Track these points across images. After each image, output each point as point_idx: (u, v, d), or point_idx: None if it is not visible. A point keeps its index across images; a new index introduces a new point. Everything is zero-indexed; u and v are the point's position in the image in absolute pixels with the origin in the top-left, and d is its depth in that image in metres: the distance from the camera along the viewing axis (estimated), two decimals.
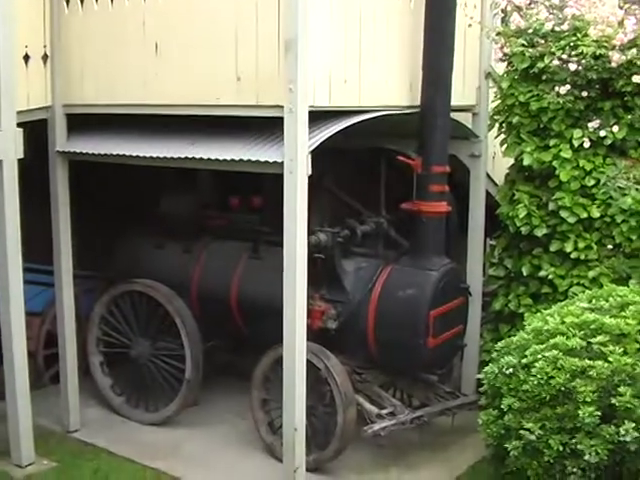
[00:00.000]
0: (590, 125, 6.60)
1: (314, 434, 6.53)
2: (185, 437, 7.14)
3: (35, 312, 7.94)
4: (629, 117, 6.56)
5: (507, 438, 5.23)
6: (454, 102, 6.66)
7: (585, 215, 6.59)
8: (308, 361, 6.16)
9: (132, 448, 6.90)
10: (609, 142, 6.59)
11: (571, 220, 6.62)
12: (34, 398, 6.56)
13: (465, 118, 7.31)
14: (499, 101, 7.01)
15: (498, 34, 6.91)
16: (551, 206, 6.72)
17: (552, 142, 6.70)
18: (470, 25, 6.88)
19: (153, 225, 7.73)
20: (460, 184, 8.22)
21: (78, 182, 7.09)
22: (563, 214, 6.64)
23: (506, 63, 6.93)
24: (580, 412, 4.90)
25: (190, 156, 6.19)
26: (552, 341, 5.24)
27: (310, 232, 6.40)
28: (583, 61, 6.48)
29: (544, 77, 6.68)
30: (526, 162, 6.78)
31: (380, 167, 7.39)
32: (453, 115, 6.77)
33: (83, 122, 6.92)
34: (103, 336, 7.64)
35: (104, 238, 8.23)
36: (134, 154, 6.46)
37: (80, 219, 7.16)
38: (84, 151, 6.76)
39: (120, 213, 8.23)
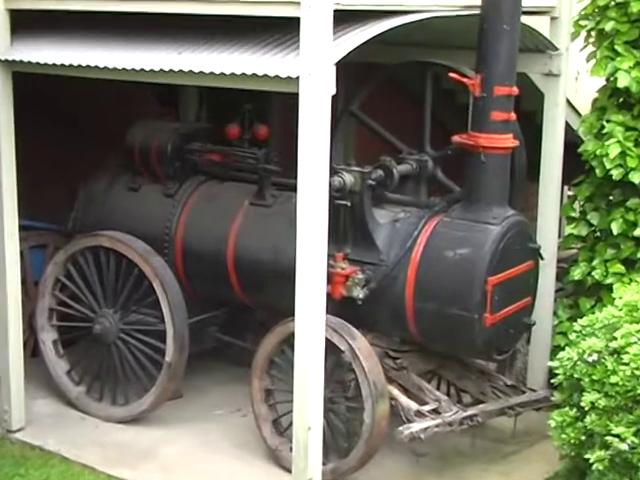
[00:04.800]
0: None
1: (333, 436, 6.58)
2: (163, 438, 7.21)
3: None
4: None
5: (589, 447, 5.28)
6: (526, 2, 6.61)
7: None
8: (327, 340, 6.19)
9: (93, 452, 6.98)
10: None
11: None
12: None
13: (540, 23, 7.26)
14: (588, 1, 6.97)
15: None
16: None
17: None
18: None
19: (124, 161, 7.74)
20: (531, 112, 8.23)
21: (24, 102, 7.09)
22: None
23: None
24: None
25: (177, 69, 6.17)
26: None
27: (332, 172, 6.39)
28: None
29: None
30: (621, 83, 6.75)
31: (424, 88, 7.37)
32: (524, 19, 6.72)
33: (32, 22, 6.90)
34: (58, 306, 7.70)
35: (59, 177, 8.28)
36: (102, 65, 6.45)
37: (28, 152, 7.18)
38: (33, 60, 6.74)
39: (81, 144, 8.27)
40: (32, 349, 8.17)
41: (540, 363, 7.35)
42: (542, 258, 7.06)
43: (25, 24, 6.91)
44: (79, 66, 6.56)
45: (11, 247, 7.04)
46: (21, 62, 6.76)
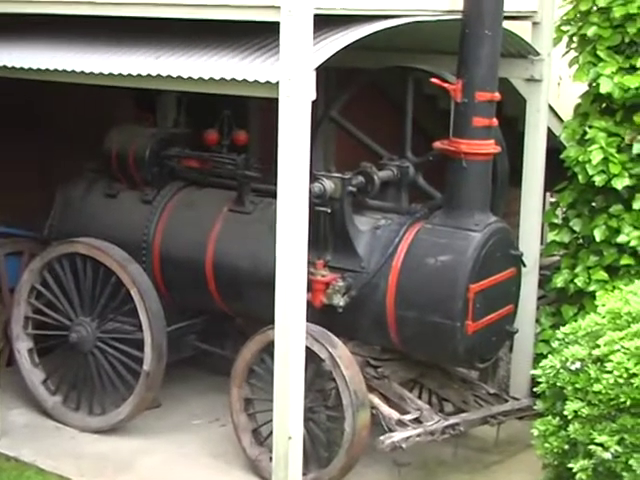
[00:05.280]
0: None
1: (314, 446, 6.56)
2: (142, 449, 7.17)
3: None
4: None
5: (572, 456, 5.25)
6: (508, 7, 6.61)
7: None
8: (307, 349, 6.17)
9: (70, 463, 6.93)
10: None
11: None
12: None
13: (522, 29, 7.27)
14: (570, 6, 6.98)
15: None
16: (636, 149, 6.71)
17: None
18: None
19: (101, 166, 7.71)
20: (512, 118, 8.24)
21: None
22: None
23: None
24: None
25: (154, 73, 6.16)
26: (635, 327, 5.24)
27: (312, 178, 6.37)
28: None
29: None
30: (604, 89, 6.76)
31: (406, 93, 7.36)
32: (506, 24, 6.73)
33: (6, 25, 6.88)
34: (33, 314, 7.64)
35: (36, 183, 8.23)
36: (77, 69, 6.43)
37: (3, 157, 7.14)
38: (9, 64, 6.71)
39: (57, 149, 8.22)
40: (7, 358, 8.12)
41: (523, 371, 7.35)
42: (524, 265, 7.05)
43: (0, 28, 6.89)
44: (54, 70, 6.52)
45: None
46: None
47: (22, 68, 6.65)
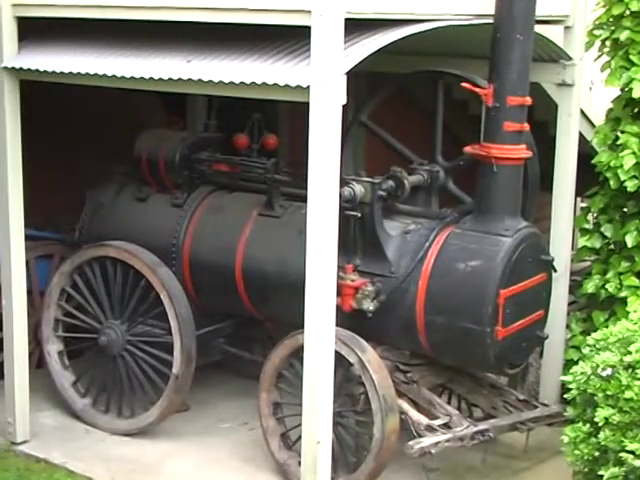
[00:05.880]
0: None
1: (342, 450, 6.57)
2: (170, 452, 7.21)
3: None
4: None
5: (603, 463, 5.24)
6: (540, 11, 6.60)
7: None
8: (336, 353, 6.18)
9: (99, 466, 6.96)
10: None
11: None
12: None
13: (554, 33, 7.25)
14: (602, 10, 6.95)
15: None
16: None
17: None
18: None
19: (132, 170, 7.76)
20: (544, 123, 8.22)
21: (30, 110, 7.10)
22: None
23: None
24: None
25: (185, 77, 6.17)
26: None
27: (342, 182, 6.39)
28: None
29: None
30: (636, 93, 6.75)
31: (436, 98, 7.37)
32: (537, 28, 6.72)
33: (39, 29, 6.93)
34: (63, 317, 7.69)
35: (67, 187, 8.28)
36: (109, 74, 6.46)
37: (34, 161, 7.18)
38: (41, 68, 6.75)
39: (88, 153, 8.27)
40: (37, 360, 8.17)
41: (553, 377, 7.32)
42: (555, 270, 7.03)
43: (33, 31, 6.93)
44: (86, 74, 6.56)
45: (17, 257, 7.04)
46: (28, 70, 6.76)
47: (54, 72, 6.69)
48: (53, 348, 7.71)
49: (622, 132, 6.95)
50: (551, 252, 7.14)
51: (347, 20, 5.69)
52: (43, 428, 7.45)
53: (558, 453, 6.16)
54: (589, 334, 5.88)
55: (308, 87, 5.72)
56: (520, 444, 7.08)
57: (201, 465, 7.02)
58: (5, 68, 6.80)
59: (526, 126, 6.65)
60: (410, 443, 6.37)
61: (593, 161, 7.16)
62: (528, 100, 6.60)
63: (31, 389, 7.28)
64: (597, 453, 5.30)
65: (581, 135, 7.57)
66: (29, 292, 7.48)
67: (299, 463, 6.33)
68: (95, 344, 7.50)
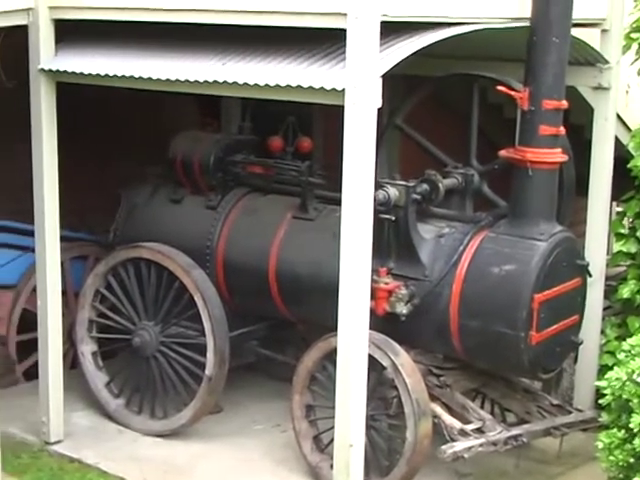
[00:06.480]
0: None
1: (375, 454, 6.57)
2: (202, 453, 7.23)
3: (7, 284, 8.11)
4: None
5: (638, 469, 5.23)
6: (577, 14, 6.57)
7: None
8: (370, 356, 6.18)
9: (131, 466, 7.00)
10: None
11: None
12: (2, 398, 6.76)
13: (590, 36, 7.23)
14: (639, 14, 6.91)
15: None
16: None
17: None
18: None
19: (167, 172, 7.80)
20: (579, 126, 8.18)
21: (64, 111, 7.15)
22: None
23: None
24: None
25: (220, 80, 6.21)
26: None
27: (377, 186, 6.39)
28: None
29: None
30: None
31: (471, 101, 7.37)
32: (574, 31, 6.70)
33: (75, 31, 6.98)
34: (97, 318, 7.74)
35: (101, 188, 8.33)
36: (145, 76, 6.50)
37: (69, 162, 7.23)
38: (77, 70, 6.81)
39: (123, 155, 8.31)
40: (71, 361, 8.24)
41: (587, 383, 7.30)
42: (590, 275, 7.00)
43: (69, 33, 6.98)
44: (122, 76, 6.60)
45: (52, 258, 7.09)
46: (65, 72, 6.82)
47: (90, 74, 6.74)
48: (87, 349, 7.77)
49: None
50: (586, 257, 7.11)
51: (383, 23, 5.69)
52: (76, 428, 7.51)
53: (592, 459, 6.14)
54: (624, 339, 5.87)
55: (343, 90, 5.73)
56: (553, 449, 7.06)
57: (233, 467, 7.04)
58: (42, 70, 6.85)
59: (562, 130, 6.63)
60: (443, 447, 6.38)
61: (629, 165, 7.14)
62: (564, 104, 6.58)
63: (65, 389, 7.33)
64: (632, 459, 5.28)
65: (617, 139, 7.54)
66: (64, 293, 7.53)
67: (331, 466, 6.33)
68: (129, 345, 7.55)
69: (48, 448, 7.24)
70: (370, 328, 6.11)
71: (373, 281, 6.40)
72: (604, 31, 7.27)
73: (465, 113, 7.47)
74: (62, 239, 7.26)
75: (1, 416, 6.61)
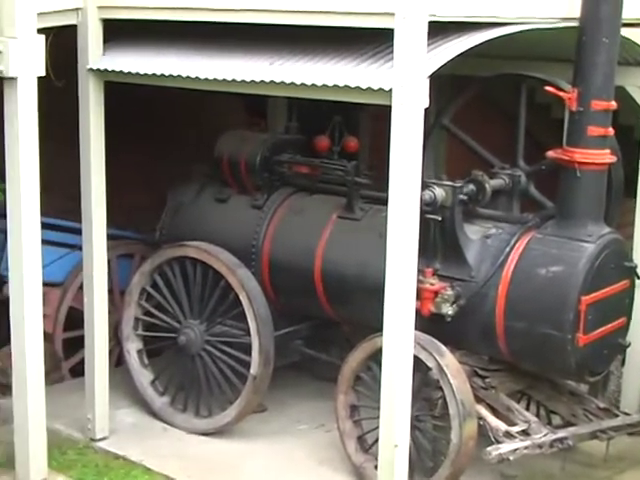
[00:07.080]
0: None
1: (419, 455, 6.57)
2: (247, 452, 7.27)
3: (54, 282, 8.18)
4: None
5: None
6: (626, 14, 6.54)
7: None
8: (415, 357, 6.18)
9: (176, 464, 7.05)
10: None
11: None
12: (49, 395, 6.73)
13: None
14: None
15: None
16: None
17: None
18: None
19: (213, 171, 7.84)
20: (628, 127, 8.12)
21: (113, 110, 7.21)
22: None
23: None
24: None
25: (268, 79, 6.24)
26: None
27: (423, 186, 6.39)
28: None
29: None
30: None
31: (518, 101, 7.34)
32: (624, 31, 6.66)
33: (123, 31, 7.04)
34: (143, 316, 7.80)
35: (148, 187, 8.39)
36: (193, 75, 6.54)
37: (116, 160, 7.29)
38: (125, 70, 6.86)
39: (169, 154, 8.36)
40: (117, 358, 8.31)
41: (634, 386, 7.27)
42: (638, 277, 6.96)
43: (116, 33, 7.04)
44: (170, 76, 6.64)
45: (99, 256, 7.14)
46: (112, 71, 6.87)
47: (137, 73, 6.80)
48: (133, 346, 7.82)
49: None
50: (634, 259, 7.08)
51: (431, 23, 5.68)
52: (122, 425, 7.57)
53: (639, 463, 6.09)
54: None
55: (390, 90, 5.73)
56: (600, 453, 7.01)
57: (278, 465, 7.07)
58: (90, 70, 6.91)
59: (611, 130, 6.59)
60: (488, 449, 6.36)
61: None
62: (613, 104, 6.53)
63: (110, 386, 7.39)
64: None
65: None
66: (110, 291, 7.60)
67: (375, 467, 6.33)
68: (174, 343, 7.59)
69: (93, 445, 7.30)
70: (415, 329, 6.11)
71: (419, 282, 6.37)
72: None
73: (512, 113, 7.44)
74: (109, 237, 7.32)
75: (47, 412, 6.65)
